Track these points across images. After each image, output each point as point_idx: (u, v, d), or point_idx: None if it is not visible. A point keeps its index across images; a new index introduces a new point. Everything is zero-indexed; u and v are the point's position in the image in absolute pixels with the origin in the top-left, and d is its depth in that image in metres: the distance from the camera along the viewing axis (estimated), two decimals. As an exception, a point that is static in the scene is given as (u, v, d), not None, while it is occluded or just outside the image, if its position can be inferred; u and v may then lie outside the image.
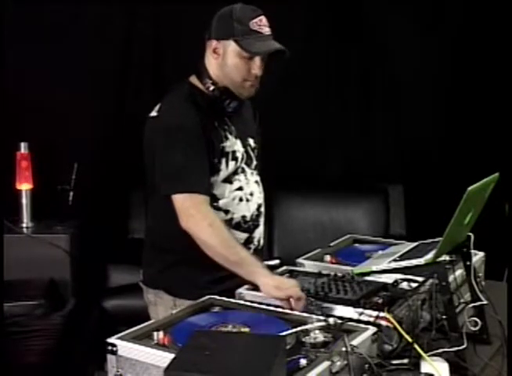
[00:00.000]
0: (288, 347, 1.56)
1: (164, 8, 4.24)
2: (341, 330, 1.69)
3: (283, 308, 1.91)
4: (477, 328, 1.94)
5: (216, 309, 1.91)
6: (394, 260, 2.09)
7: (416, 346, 1.75)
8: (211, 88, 2.26)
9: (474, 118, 4.38)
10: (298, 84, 4.34)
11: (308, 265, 2.28)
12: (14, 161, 3.75)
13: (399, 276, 2.01)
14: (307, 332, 1.68)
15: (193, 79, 2.31)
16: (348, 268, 2.19)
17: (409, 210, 4.38)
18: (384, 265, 2.08)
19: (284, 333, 1.66)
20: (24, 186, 3.76)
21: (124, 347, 1.63)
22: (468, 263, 2.03)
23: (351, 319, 1.79)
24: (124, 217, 4.24)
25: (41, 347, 3.20)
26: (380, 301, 1.88)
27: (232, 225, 2.26)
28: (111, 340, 1.65)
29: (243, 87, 2.26)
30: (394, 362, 1.73)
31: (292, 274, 2.18)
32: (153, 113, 2.27)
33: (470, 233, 2.04)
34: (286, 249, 4.17)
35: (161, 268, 2.32)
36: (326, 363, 1.54)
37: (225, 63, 2.23)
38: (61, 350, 3.25)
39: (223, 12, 2.24)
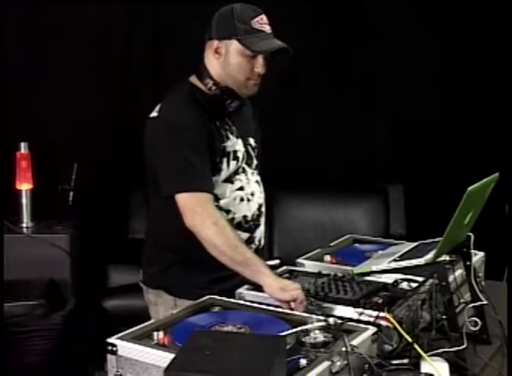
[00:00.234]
0: (288, 347, 1.56)
1: (164, 8, 4.23)
2: (341, 330, 1.69)
3: (282, 308, 1.92)
4: (477, 328, 1.94)
5: (216, 309, 1.91)
6: (394, 260, 2.09)
7: (416, 346, 1.75)
8: (213, 88, 2.26)
9: (474, 118, 4.38)
10: (298, 84, 4.34)
11: (308, 265, 2.28)
12: (14, 161, 3.75)
13: (399, 276, 2.01)
14: (307, 332, 1.68)
15: (193, 79, 2.31)
16: (348, 268, 2.19)
17: (409, 210, 4.38)
18: (384, 265, 2.08)
19: (284, 333, 1.66)
20: (24, 186, 3.75)
21: (124, 347, 1.63)
22: (468, 263, 2.04)
23: (351, 319, 1.79)
24: (124, 217, 4.24)
25: (41, 347, 3.21)
26: (380, 301, 1.88)
27: (234, 225, 2.25)
28: (111, 340, 1.65)
29: (247, 86, 2.26)
30: (394, 362, 1.73)
31: (292, 274, 2.18)
32: (154, 114, 2.26)
33: (470, 233, 2.04)
34: (286, 249, 4.17)
35: (162, 268, 2.32)
36: (326, 363, 1.54)
37: (228, 62, 2.23)
38: (61, 350, 3.25)
39: (223, 11, 2.23)
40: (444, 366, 1.72)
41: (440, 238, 1.90)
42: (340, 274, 2.10)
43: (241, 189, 2.30)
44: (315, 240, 3.57)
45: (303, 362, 1.55)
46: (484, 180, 1.95)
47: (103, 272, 3.94)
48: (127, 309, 3.56)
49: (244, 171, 2.33)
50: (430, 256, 1.95)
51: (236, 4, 2.23)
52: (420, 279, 1.97)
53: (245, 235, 2.29)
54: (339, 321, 1.73)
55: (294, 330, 1.69)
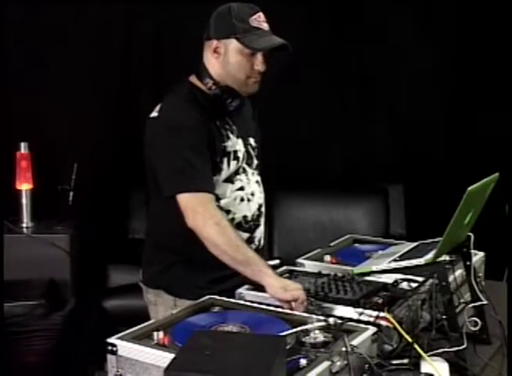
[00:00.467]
0: (288, 347, 1.56)
1: (164, 8, 4.24)
2: (341, 330, 1.69)
3: (283, 308, 1.92)
4: (477, 328, 1.94)
5: (216, 309, 1.91)
6: (394, 260, 2.09)
7: (416, 346, 1.75)
8: (213, 87, 2.26)
9: (474, 118, 4.38)
10: (298, 84, 4.34)
11: (308, 265, 2.28)
12: (14, 161, 3.75)
13: (399, 276, 2.01)
14: (307, 332, 1.68)
15: (193, 79, 2.31)
16: (348, 268, 2.19)
17: (409, 210, 4.38)
18: (384, 265, 2.08)
19: (284, 333, 1.66)
20: (24, 186, 3.76)
21: (124, 347, 1.63)
22: (468, 263, 2.03)
23: (351, 319, 1.79)
24: (124, 217, 4.24)
25: (41, 347, 3.21)
26: (380, 301, 1.88)
27: (234, 225, 2.25)
28: (111, 340, 1.65)
29: (247, 84, 2.26)
30: (394, 362, 1.73)
31: (292, 274, 2.18)
32: (154, 114, 2.26)
33: (470, 233, 2.04)
34: (286, 249, 4.17)
35: (162, 268, 2.32)
36: (326, 363, 1.54)
37: (227, 61, 2.22)
38: (61, 350, 3.25)
39: (221, 11, 2.23)
40: (444, 366, 1.72)
41: (440, 238, 1.89)
42: (340, 274, 2.09)
43: (241, 189, 2.30)
44: (315, 240, 3.58)
45: (303, 362, 1.55)
46: (484, 180, 1.95)
47: (103, 272, 3.94)
48: (127, 309, 3.56)
49: (244, 171, 2.33)
50: (430, 256, 1.95)
51: (233, 3, 2.23)
52: (420, 279, 1.97)
53: (245, 235, 2.29)
54: (339, 321, 1.73)
55: (294, 330, 1.69)
